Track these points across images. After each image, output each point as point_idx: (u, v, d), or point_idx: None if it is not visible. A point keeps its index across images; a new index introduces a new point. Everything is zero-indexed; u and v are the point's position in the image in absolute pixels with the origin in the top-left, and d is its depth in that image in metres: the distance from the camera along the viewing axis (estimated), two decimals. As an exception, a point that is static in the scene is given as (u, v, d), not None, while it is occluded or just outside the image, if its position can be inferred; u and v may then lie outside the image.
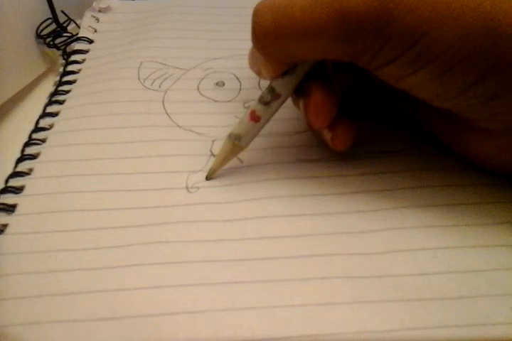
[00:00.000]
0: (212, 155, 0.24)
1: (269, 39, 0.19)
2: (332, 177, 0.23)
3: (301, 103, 0.21)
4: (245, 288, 0.19)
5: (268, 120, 0.22)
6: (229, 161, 0.23)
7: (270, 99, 0.21)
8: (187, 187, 0.23)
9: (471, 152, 0.21)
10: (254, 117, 0.22)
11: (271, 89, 0.21)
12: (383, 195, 0.22)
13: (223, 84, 0.28)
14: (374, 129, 0.24)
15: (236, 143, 0.22)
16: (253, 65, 0.23)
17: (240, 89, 0.28)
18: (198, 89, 0.28)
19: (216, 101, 0.28)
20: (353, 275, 0.19)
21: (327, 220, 0.21)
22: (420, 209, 0.21)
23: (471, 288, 0.19)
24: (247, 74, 0.27)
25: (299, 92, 0.21)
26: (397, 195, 0.22)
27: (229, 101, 0.27)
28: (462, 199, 0.22)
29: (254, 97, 0.27)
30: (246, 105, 0.27)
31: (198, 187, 0.23)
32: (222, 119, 0.26)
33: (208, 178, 0.23)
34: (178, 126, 0.26)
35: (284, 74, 0.21)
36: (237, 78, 0.29)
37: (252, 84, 0.28)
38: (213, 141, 0.25)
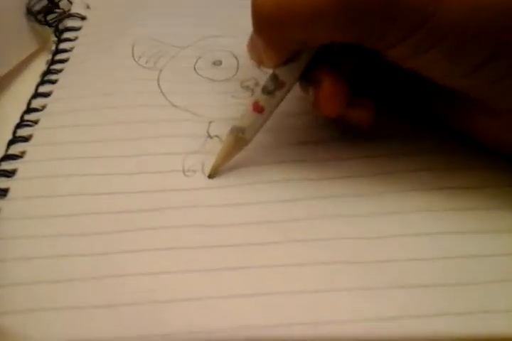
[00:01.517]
0: (209, 136, 0.24)
1: (272, 25, 0.18)
2: (332, 161, 0.22)
3: (311, 92, 0.20)
4: (243, 274, 0.19)
5: (272, 111, 0.21)
6: (233, 157, 0.22)
7: (274, 87, 0.20)
8: (183, 171, 0.22)
9: (478, 133, 0.21)
10: (258, 108, 0.21)
11: (274, 77, 0.20)
12: (384, 178, 0.21)
13: (220, 63, 0.28)
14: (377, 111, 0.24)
15: (239, 135, 0.21)
16: (253, 53, 0.22)
17: (238, 68, 0.27)
18: (195, 67, 0.27)
19: (213, 80, 0.27)
20: (352, 260, 0.19)
21: (326, 204, 0.21)
22: (422, 192, 0.21)
23: (471, 274, 0.18)
24: (245, 52, 0.26)
25: (308, 80, 0.21)
26: (399, 178, 0.21)
27: (226, 80, 0.27)
28: (465, 182, 0.21)
29: (252, 76, 0.26)
30: (243, 84, 0.26)
31: (194, 171, 0.22)
32: (219, 99, 0.26)
33: (210, 176, 0.22)
34: (173, 105, 0.25)
35: (288, 61, 0.20)
36: (234, 56, 0.28)
37: (250, 63, 0.27)
38: (210, 121, 0.24)
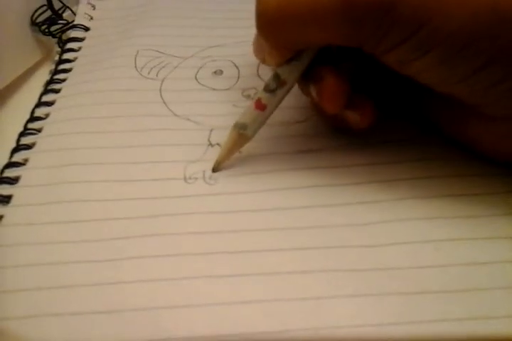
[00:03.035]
0: (210, 144, 0.24)
1: (273, 26, 0.19)
2: (333, 168, 0.22)
3: (312, 89, 0.21)
4: (244, 281, 0.19)
5: (274, 109, 0.22)
6: (235, 152, 0.23)
7: (275, 86, 0.21)
8: (185, 178, 0.22)
9: (474, 140, 0.21)
10: (260, 106, 0.21)
11: (276, 76, 0.21)
12: (385, 186, 0.22)
13: (221, 73, 0.28)
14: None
15: (242, 132, 0.22)
16: (257, 51, 0.23)
17: (239, 77, 0.28)
18: (196, 77, 0.28)
19: (214, 89, 0.27)
20: (354, 268, 0.19)
21: (328, 212, 0.21)
22: (422, 200, 0.21)
23: (472, 281, 0.18)
24: (246, 61, 0.27)
25: (309, 78, 0.21)
26: (399, 186, 0.22)
27: (227, 89, 0.27)
28: (465, 190, 0.21)
29: (253, 85, 0.27)
30: (244, 93, 0.27)
31: (196, 178, 0.22)
32: (220, 108, 0.26)
33: (214, 170, 0.23)
34: (175, 115, 0.26)
35: (289, 60, 0.21)
36: (235, 66, 0.28)
37: (251, 72, 0.28)
38: (211, 130, 0.25)
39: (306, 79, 0.21)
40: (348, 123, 0.22)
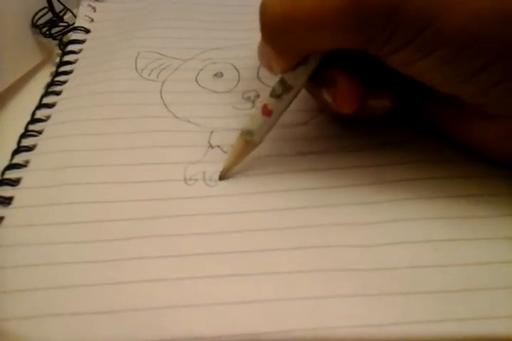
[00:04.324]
0: (211, 146, 0.24)
1: (278, 32, 0.19)
2: (333, 170, 0.23)
3: (325, 93, 0.21)
4: (245, 281, 0.19)
5: (281, 114, 0.22)
6: (243, 159, 0.23)
7: (281, 91, 0.21)
8: (185, 179, 0.23)
9: (476, 140, 0.21)
10: (266, 111, 0.21)
11: (282, 82, 0.21)
12: (385, 187, 0.22)
13: (222, 75, 0.28)
14: (374, 121, 0.24)
15: (248, 139, 0.22)
16: (262, 58, 0.22)
17: (239, 80, 0.28)
18: (196, 79, 0.28)
19: (214, 91, 0.27)
20: (352, 267, 0.19)
21: (327, 212, 0.21)
22: (422, 200, 0.21)
23: (472, 281, 0.18)
24: (246, 64, 0.27)
25: (319, 82, 0.21)
26: (399, 187, 0.22)
27: (227, 91, 0.27)
28: (465, 190, 0.21)
29: (253, 87, 0.27)
30: (245, 96, 0.27)
31: (196, 180, 0.23)
32: (220, 110, 0.26)
33: (221, 178, 0.23)
34: (175, 116, 0.26)
35: (296, 65, 0.20)
36: (235, 68, 0.28)
37: (251, 75, 0.28)
38: (211, 132, 0.25)
39: (315, 83, 0.21)
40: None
